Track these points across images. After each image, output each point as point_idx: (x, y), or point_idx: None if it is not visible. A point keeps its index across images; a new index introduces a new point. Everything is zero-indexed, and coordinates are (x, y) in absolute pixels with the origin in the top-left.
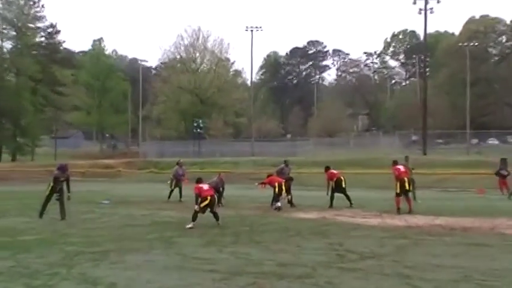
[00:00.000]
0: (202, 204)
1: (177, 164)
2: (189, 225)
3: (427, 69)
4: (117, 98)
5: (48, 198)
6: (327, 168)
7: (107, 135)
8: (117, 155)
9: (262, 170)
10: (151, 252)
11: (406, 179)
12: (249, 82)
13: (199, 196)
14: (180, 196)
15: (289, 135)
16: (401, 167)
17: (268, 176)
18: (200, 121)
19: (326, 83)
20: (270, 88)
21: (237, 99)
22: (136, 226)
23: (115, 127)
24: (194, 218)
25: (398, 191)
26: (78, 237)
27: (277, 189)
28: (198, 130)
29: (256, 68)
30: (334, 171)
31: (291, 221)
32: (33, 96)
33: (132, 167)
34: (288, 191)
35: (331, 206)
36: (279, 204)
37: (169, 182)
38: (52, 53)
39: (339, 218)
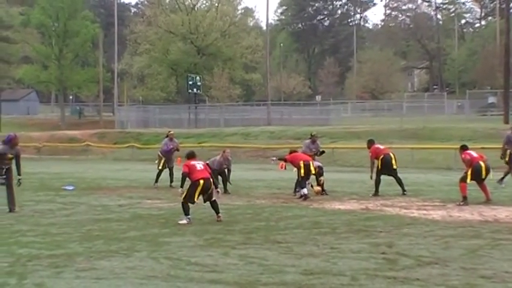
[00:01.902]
0: (192, 190)
1: (167, 136)
2: (183, 221)
3: None
4: (83, 47)
5: None
6: (371, 143)
7: (71, 97)
8: (84, 124)
9: (281, 144)
10: (133, 256)
11: (482, 164)
12: (263, 24)
13: (189, 177)
14: (171, 180)
15: (318, 97)
16: (472, 152)
17: (291, 153)
18: (197, 78)
19: (370, 25)
20: (293, 32)
21: (247, 48)
22: (111, 221)
23: (81, 86)
24: (186, 210)
25: (469, 180)
26: (33, 236)
27: (302, 171)
28: (195, 91)
29: (273, 5)
30: (381, 147)
31: (322, 214)
32: None
33: (106, 140)
34: (321, 172)
35: (376, 193)
36: (305, 190)
37: (156, 161)
38: None
39: (388, 209)
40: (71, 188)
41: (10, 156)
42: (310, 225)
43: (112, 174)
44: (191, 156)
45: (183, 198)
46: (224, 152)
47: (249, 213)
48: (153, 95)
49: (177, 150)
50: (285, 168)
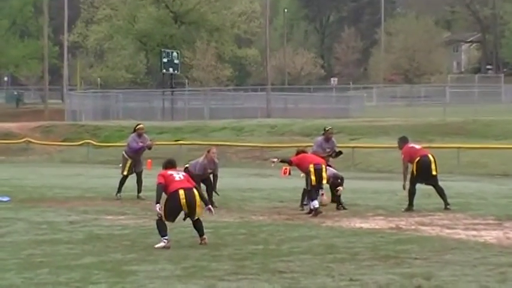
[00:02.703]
0: (170, 205)
1: (134, 131)
2: (160, 244)
3: None
4: (22, 12)
5: None
6: (404, 141)
7: (6, 78)
8: (24, 115)
9: (285, 142)
10: None
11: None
12: None
13: (165, 190)
14: (139, 189)
15: (334, 80)
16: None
17: (298, 154)
18: (174, 54)
19: None
20: None
21: (240, 15)
22: (59, 243)
23: (20, 64)
24: (162, 229)
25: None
26: None
27: (313, 177)
28: (171, 71)
29: None
30: (416, 146)
31: (339, 235)
32: None
33: (52, 136)
34: (338, 182)
35: (410, 207)
36: (315, 203)
37: (120, 164)
38: None
39: (425, 229)
40: (5, 199)
41: None
42: (323, 249)
43: (60, 181)
44: (169, 165)
45: (158, 215)
46: (209, 152)
47: (242, 234)
48: (116, 77)
49: (149, 149)
50: (290, 173)
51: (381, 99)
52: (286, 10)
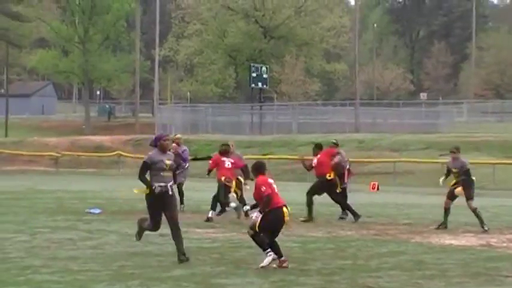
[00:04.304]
0: (273, 222)
1: (173, 142)
2: (267, 259)
3: None
4: (115, 27)
5: None
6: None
7: (98, 92)
8: (115, 128)
9: (373, 157)
10: None
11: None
12: None
13: (269, 203)
14: (181, 200)
15: (424, 95)
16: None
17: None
18: (263, 69)
19: None
20: (391, 9)
21: (329, 30)
22: (150, 255)
23: (112, 78)
24: (263, 243)
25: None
26: (48, 273)
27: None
28: (260, 85)
29: None
30: None
31: (427, 251)
32: None
33: (143, 149)
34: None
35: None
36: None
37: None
38: None
39: None
40: (97, 211)
41: None
42: (412, 265)
43: None
44: (262, 170)
45: (255, 228)
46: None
47: (331, 249)
48: (205, 91)
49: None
50: (378, 189)
51: (471, 114)
52: (375, 25)
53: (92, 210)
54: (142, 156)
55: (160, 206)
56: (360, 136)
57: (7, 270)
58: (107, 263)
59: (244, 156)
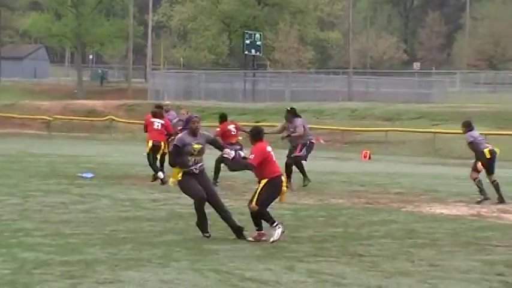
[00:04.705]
0: (271, 192)
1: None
2: (277, 232)
3: None
4: None
5: None
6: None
7: (91, 57)
8: (108, 93)
9: (366, 126)
10: (170, 267)
11: None
12: None
13: (264, 171)
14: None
15: (417, 65)
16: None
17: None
18: (257, 36)
19: None
20: None
21: None
22: (142, 220)
23: (105, 43)
24: (269, 217)
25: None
26: (40, 236)
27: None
28: (253, 52)
29: None
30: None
31: (419, 220)
32: None
33: (135, 114)
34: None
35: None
36: None
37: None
38: None
39: (507, 216)
40: (89, 175)
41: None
42: (403, 234)
43: (143, 160)
44: (260, 136)
45: (257, 202)
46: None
47: (322, 217)
48: (199, 57)
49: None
50: (370, 157)
51: (464, 85)
52: None
53: (84, 175)
54: (135, 121)
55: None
56: (353, 105)
57: None
58: (99, 227)
59: (240, 123)
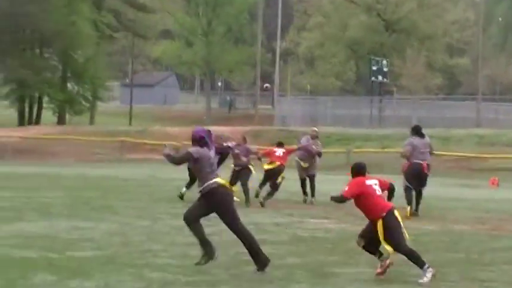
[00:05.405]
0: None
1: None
2: (427, 275)
3: None
4: (238, 18)
5: None
6: None
7: (220, 84)
8: (235, 119)
9: (494, 153)
10: None
11: None
12: None
13: (373, 205)
14: (312, 193)
15: None
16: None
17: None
18: (384, 62)
19: None
20: None
21: (453, 24)
22: (265, 243)
23: (233, 70)
24: (420, 260)
25: None
26: (167, 257)
27: None
28: (380, 79)
29: None
30: None
31: None
32: (95, 11)
33: (261, 140)
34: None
35: None
36: None
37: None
38: None
39: None
40: None
41: None
42: None
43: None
44: (362, 171)
45: (393, 247)
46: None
47: (443, 242)
48: (325, 84)
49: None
50: (498, 184)
51: None
52: (501, 19)
53: None
54: (261, 147)
55: None
56: (481, 131)
57: (129, 253)
58: (223, 249)
59: (364, 149)
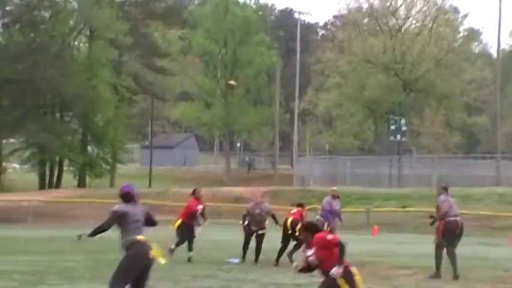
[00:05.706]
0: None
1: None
2: None
3: None
4: (257, 80)
5: None
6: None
7: (238, 144)
8: (254, 179)
9: None
10: None
11: None
12: (493, 51)
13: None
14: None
15: None
16: None
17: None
18: (402, 121)
19: None
20: None
21: (470, 83)
22: None
23: (252, 131)
24: None
25: None
26: None
27: None
28: (398, 138)
29: (507, 25)
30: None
31: None
32: (115, 75)
33: (280, 200)
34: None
35: None
36: None
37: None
38: (149, 3)
39: None
40: (236, 260)
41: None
42: None
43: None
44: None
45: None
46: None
47: None
48: (343, 143)
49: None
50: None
51: None
52: None
53: (231, 260)
54: (280, 207)
55: None
56: (501, 190)
57: None
58: None
59: (383, 209)
